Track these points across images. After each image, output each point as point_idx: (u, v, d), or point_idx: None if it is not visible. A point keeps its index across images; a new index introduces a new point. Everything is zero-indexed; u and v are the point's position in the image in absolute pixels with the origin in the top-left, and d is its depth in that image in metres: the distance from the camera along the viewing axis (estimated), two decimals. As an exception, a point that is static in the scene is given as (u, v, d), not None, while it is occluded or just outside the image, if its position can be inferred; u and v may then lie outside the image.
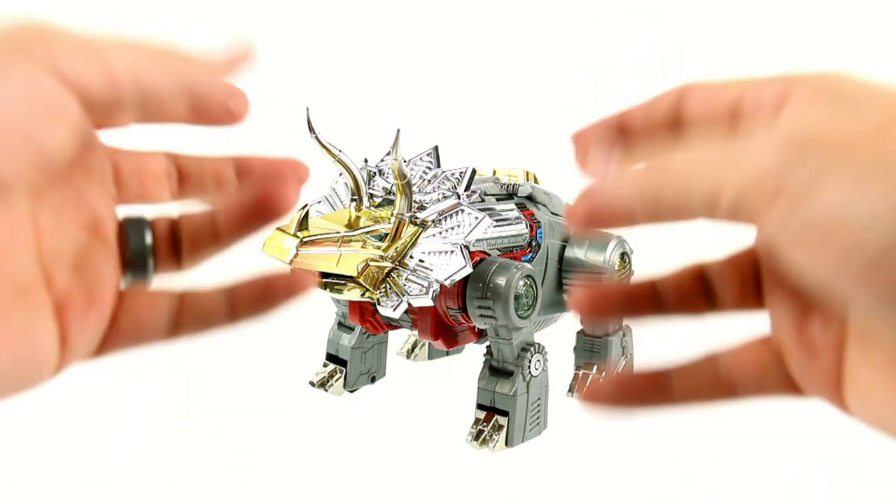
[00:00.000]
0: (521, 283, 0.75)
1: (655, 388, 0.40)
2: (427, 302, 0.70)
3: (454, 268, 0.70)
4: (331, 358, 0.93)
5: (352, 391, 0.92)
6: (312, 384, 0.91)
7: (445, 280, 0.70)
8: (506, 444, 0.76)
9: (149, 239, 0.38)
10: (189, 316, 0.38)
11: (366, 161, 0.80)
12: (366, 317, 0.83)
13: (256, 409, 0.87)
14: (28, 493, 0.72)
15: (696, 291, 0.41)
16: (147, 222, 0.38)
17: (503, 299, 0.73)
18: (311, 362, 0.94)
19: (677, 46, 1.40)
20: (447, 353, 1.04)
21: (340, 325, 0.93)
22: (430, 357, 1.03)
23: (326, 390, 0.90)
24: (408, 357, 1.03)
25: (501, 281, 0.73)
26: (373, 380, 0.94)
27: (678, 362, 0.40)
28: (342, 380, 0.91)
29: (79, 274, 0.35)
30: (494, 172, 0.92)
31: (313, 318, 0.97)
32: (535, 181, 0.94)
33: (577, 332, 0.93)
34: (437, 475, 0.76)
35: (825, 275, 0.33)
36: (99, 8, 1.34)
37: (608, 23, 1.44)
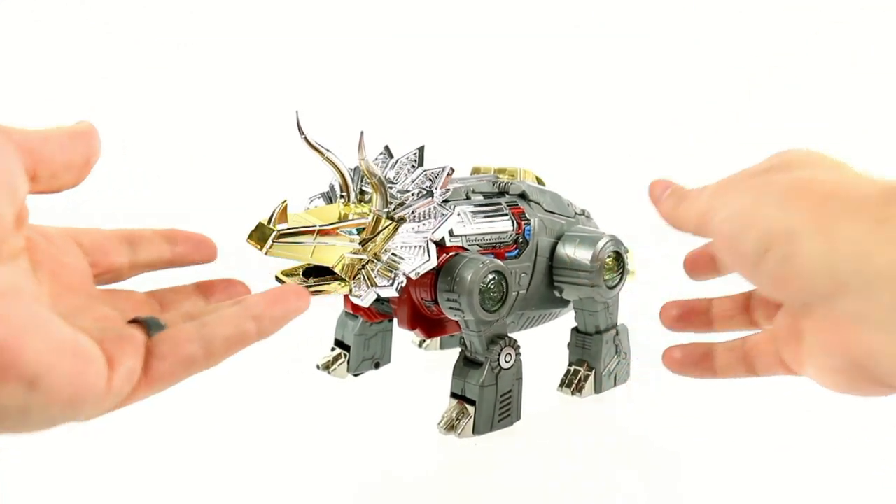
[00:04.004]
0: (489, 278, 0.78)
1: (706, 361, 0.64)
2: (392, 293, 0.75)
3: (420, 261, 0.75)
4: (338, 343, 0.98)
5: (356, 375, 0.97)
6: (318, 367, 0.97)
7: (410, 273, 0.75)
8: (472, 431, 0.80)
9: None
10: (217, 336, 0.48)
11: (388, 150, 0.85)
12: (361, 306, 0.88)
13: (262, 387, 0.94)
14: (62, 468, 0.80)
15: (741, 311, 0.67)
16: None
17: (468, 293, 0.77)
18: (325, 347, 1.00)
19: (676, 44, 1.39)
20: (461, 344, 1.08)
21: (347, 312, 0.98)
22: (442, 347, 1.08)
23: (330, 373, 0.96)
24: (420, 346, 1.08)
25: (467, 275, 0.77)
26: (377, 365, 0.99)
27: (723, 342, 0.64)
28: (346, 364, 0.97)
29: (105, 331, 0.47)
30: (495, 171, 0.95)
31: (332, 304, 1.03)
32: (537, 181, 0.96)
33: (572, 329, 0.95)
34: (423, 460, 0.80)
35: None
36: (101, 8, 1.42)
37: (609, 23, 1.43)
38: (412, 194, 0.78)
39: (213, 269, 1.31)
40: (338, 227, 0.76)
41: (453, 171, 0.79)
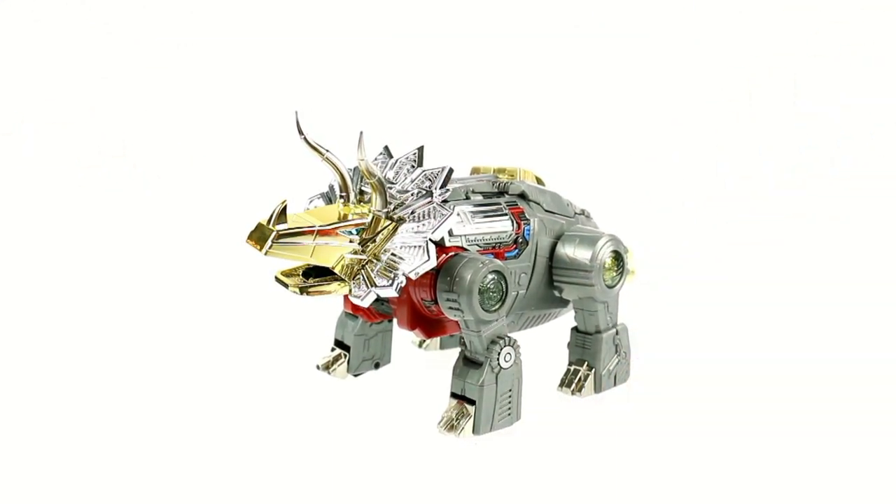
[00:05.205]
0: (489, 277, 0.78)
1: None
2: (392, 293, 0.75)
3: (419, 262, 0.75)
4: (338, 343, 0.98)
5: (356, 375, 0.97)
6: (318, 367, 0.97)
7: (410, 273, 0.75)
8: (473, 431, 0.80)
9: None
10: None
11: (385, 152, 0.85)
12: (360, 307, 0.88)
13: (262, 387, 0.94)
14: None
15: None
16: None
17: (467, 292, 0.77)
18: (325, 347, 1.00)
19: (676, 44, 1.39)
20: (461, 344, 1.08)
21: (347, 312, 0.98)
22: (442, 347, 1.08)
23: (330, 373, 0.96)
24: (420, 346, 1.08)
25: (467, 275, 0.77)
26: (377, 366, 0.99)
27: None
28: (345, 364, 0.97)
29: None
30: (494, 171, 0.95)
31: (332, 304, 1.04)
32: (537, 181, 0.96)
33: (572, 329, 0.95)
34: (423, 461, 0.80)
35: None
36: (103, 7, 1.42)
37: (609, 23, 1.44)
38: (412, 194, 0.78)
39: (212, 270, 1.32)
40: (337, 228, 0.76)
41: (452, 171, 0.79)
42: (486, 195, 0.88)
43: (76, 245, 1.37)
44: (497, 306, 0.80)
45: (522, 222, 0.88)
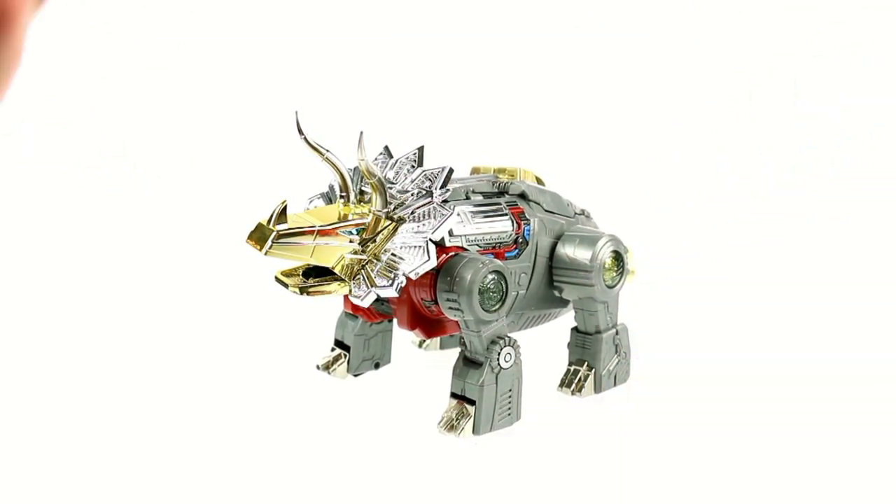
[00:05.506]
0: (489, 277, 0.78)
1: None
2: (392, 293, 0.75)
3: (419, 262, 0.75)
4: (338, 343, 0.98)
5: (356, 375, 0.97)
6: (318, 367, 0.97)
7: (410, 273, 0.75)
8: (473, 431, 0.80)
9: None
10: None
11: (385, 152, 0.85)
12: (360, 307, 0.88)
13: (262, 387, 0.94)
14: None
15: None
16: None
17: (467, 292, 0.77)
18: (325, 347, 1.00)
19: (676, 44, 1.39)
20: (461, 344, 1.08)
21: (347, 312, 0.98)
22: (442, 347, 1.08)
23: (330, 373, 0.96)
24: (420, 346, 1.08)
25: (467, 275, 0.77)
26: (377, 366, 0.99)
27: None
28: (345, 364, 0.97)
29: None
30: (494, 171, 0.95)
31: (332, 304, 1.04)
32: (537, 181, 0.96)
33: (572, 329, 0.95)
34: (423, 461, 0.80)
35: None
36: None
37: (609, 23, 1.44)
38: (412, 194, 0.78)
39: (213, 271, 1.32)
40: (337, 228, 0.76)
41: (452, 171, 0.79)
42: (486, 195, 0.88)
43: (76, 245, 1.37)
44: (497, 306, 0.80)
45: (522, 222, 0.88)
